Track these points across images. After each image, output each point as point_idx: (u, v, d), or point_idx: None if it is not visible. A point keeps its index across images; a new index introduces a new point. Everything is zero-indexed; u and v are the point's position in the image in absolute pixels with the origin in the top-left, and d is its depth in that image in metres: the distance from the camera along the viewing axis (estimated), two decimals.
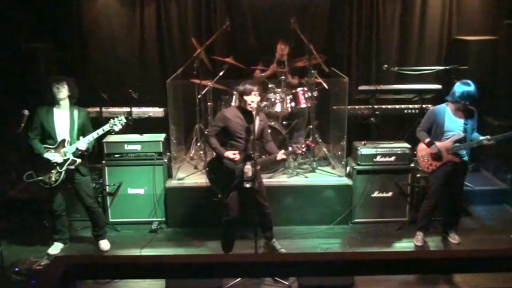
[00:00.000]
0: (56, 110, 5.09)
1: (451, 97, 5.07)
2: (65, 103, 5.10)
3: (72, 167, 5.11)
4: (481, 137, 5.05)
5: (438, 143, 5.16)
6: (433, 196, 5.35)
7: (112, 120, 5.12)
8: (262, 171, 5.38)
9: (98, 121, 5.94)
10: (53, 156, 5.02)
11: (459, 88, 4.99)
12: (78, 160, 5.11)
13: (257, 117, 4.85)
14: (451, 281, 4.70)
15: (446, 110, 5.15)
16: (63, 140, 5.06)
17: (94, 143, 5.27)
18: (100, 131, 5.09)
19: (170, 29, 7.20)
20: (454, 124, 5.12)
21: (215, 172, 5.04)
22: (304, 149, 4.84)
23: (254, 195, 4.92)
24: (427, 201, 5.43)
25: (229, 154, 4.82)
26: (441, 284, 4.70)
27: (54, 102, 5.04)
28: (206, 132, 4.95)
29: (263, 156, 5.42)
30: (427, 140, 5.21)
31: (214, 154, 5.18)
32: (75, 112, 5.13)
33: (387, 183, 5.90)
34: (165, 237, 5.77)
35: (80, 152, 5.09)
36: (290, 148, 4.93)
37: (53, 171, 5.04)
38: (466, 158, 5.20)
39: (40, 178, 5.06)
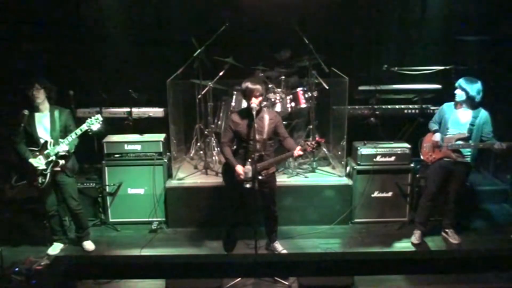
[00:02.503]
0: (37, 113, 5.08)
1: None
2: (44, 106, 5.09)
3: (57, 168, 5.11)
4: (493, 141, 5.02)
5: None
6: (429, 189, 5.42)
7: (89, 120, 5.09)
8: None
9: None
10: (36, 162, 5.02)
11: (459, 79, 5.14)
12: (62, 161, 5.10)
13: (267, 116, 4.80)
14: (451, 281, 4.69)
15: (454, 108, 5.20)
16: (46, 142, 5.06)
17: (76, 142, 5.18)
18: (78, 131, 5.06)
19: (170, 29, 7.20)
20: (458, 123, 5.16)
21: (228, 176, 4.95)
22: (314, 146, 4.74)
23: (264, 198, 4.92)
24: (424, 196, 5.51)
25: (239, 169, 4.72)
26: (441, 284, 4.70)
27: (33, 106, 5.04)
28: (222, 140, 4.90)
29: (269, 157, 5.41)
30: (435, 128, 5.31)
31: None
32: (56, 113, 5.12)
33: (387, 183, 5.91)
34: (165, 237, 5.77)
35: (62, 153, 5.08)
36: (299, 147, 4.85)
37: (39, 173, 5.05)
38: (468, 159, 5.20)
39: (27, 181, 5.08)
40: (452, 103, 5.25)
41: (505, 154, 5.08)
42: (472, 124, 5.08)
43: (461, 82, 5.08)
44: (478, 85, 5.02)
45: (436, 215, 5.65)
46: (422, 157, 5.50)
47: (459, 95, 5.08)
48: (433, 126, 5.36)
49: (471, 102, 5.06)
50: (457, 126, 5.16)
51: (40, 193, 5.22)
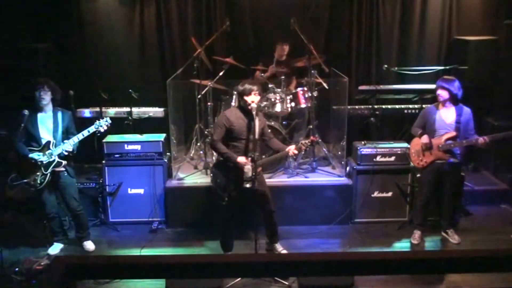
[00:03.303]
0: (39, 114, 5.08)
1: None
2: (48, 107, 5.10)
3: (58, 169, 5.10)
4: (476, 136, 5.08)
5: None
6: (423, 192, 5.43)
7: (97, 122, 5.12)
8: (264, 171, 5.34)
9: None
10: (38, 155, 5.01)
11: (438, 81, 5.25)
12: (64, 162, 5.11)
13: (257, 117, 4.84)
14: (450, 281, 4.69)
15: (437, 109, 5.23)
16: (48, 142, 5.05)
17: (78, 144, 5.19)
18: (85, 133, 5.08)
19: (170, 29, 7.20)
20: (445, 123, 5.18)
21: (221, 176, 4.93)
22: (309, 145, 4.83)
23: (258, 198, 4.91)
24: (418, 198, 5.53)
25: (242, 160, 4.71)
26: (440, 284, 4.70)
27: (37, 106, 5.05)
28: (213, 138, 4.86)
29: (263, 156, 5.42)
30: (420, 132, 5.32)
31: (216, 157, 5.12)
32: (59, 114, 5.13)
33: (387, 183, 5.90)
34: (165, 237, 5.77)
35: (65, 154, 5.08)
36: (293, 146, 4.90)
37: (38, 173, 5.03)
38: (459, 158, 5.23)
39: (25, 180, 5.05)
40: (432, 105, 5.31)
41: (489, 148, 5.14)
42: (458, 122, 5.12)
43: (441, 82, 5.15)
44: (456, 82, 5.12)
45: (435, 215, 5.64)
46: (412, 164, 5.50)
47: (443, 95, 5.13)
48: (417, 130, 5.35)
49: (454, 99, 5.13)
50: (444, 127, 5.18)
51: (40, 195, 5.20)
